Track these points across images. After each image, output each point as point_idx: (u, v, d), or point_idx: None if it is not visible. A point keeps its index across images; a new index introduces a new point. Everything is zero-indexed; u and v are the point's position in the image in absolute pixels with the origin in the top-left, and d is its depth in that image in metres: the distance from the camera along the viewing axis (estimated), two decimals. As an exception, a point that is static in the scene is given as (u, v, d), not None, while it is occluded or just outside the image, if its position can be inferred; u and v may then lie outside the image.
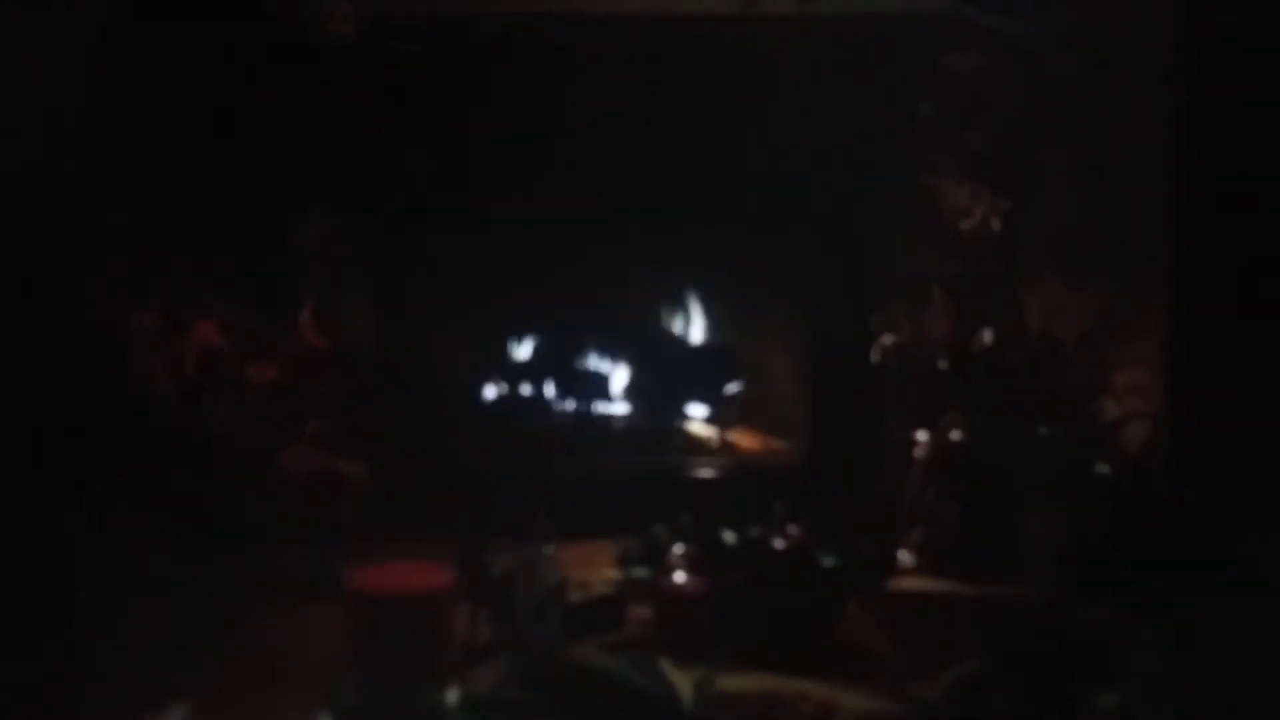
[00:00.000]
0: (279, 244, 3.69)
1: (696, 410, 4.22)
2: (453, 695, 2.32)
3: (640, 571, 3.10)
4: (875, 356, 3.63)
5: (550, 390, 4.25)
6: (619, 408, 4.24)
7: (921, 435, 3.51)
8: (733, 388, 4.18)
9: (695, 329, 4.29)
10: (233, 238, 3.61)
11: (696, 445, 4.12)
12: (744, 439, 4.14)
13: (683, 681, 2.46)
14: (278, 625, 3.12)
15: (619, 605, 3.00)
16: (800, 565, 2.87)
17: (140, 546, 3.21)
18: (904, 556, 3.43)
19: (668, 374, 4.25)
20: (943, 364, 3.56)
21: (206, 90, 3.53)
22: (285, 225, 3.70)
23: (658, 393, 4.23)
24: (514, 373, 4.25)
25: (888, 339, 3.60)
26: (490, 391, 4.25)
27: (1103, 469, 3.18)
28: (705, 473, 3.94)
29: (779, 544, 2.93)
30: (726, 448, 4.06)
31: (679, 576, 2.89)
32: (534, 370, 4.27)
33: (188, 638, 3.01)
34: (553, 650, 2.55)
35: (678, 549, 2.96)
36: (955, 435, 3.47)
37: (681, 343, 4.29)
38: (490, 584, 2.74)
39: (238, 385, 3.52)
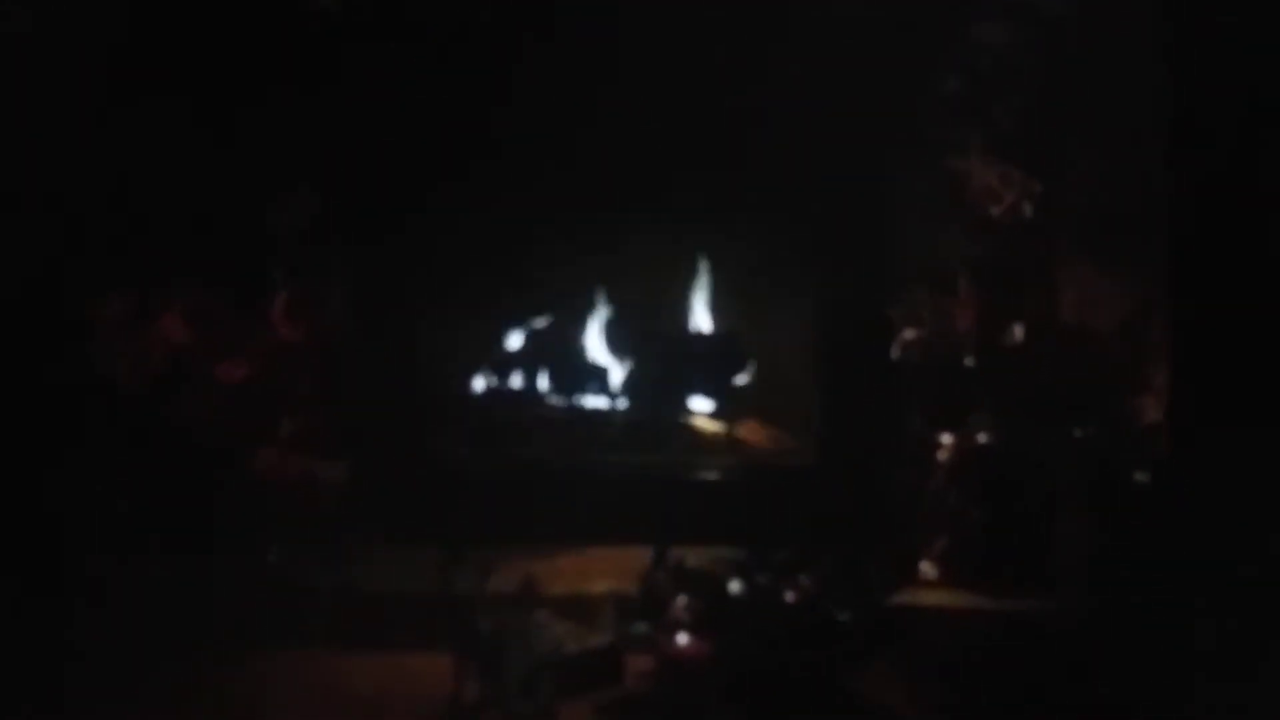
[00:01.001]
0: (250, 227, 3.65)
1: (701, 404, 4.17)
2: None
3: (641, 628, 3.07)
4: (895, 351, 3.58)
5: (544, 383, 4.22)
6: (618, 401, 4.21)
7: (945, 437, 3.49)
8: (740, 379, 4.12)
9: (700, 316, 4.25)
10: (199, 220, 3.57)
11: (701, 442, 4.09)
12: (752, 434, 4.12)
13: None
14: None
15: (616, 660, 2.99)
16: (812, 622, 2.84)
17: (103, 557, 3.21)
18: (925, 567, 3.41)
19: (670, 365, 4.22)
20: (968, 360, 3.52)
21: (176, 65, 3.49)
22: (257, 207, 3.65)
23: (659, 385, 4.19)
24: (505, 364, 4.22)
25: (909, 332, 3.57)
26: (479, 385, 4.21)
27: (1143, 475, 3.17)
28: (710, 474, 3.92)
29: (789, 596, 2.90)
30: (733, 444, 4.04)
31: (682, 637, 2.86)
32: (526, 361, 4.23)
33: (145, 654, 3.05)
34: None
35: (680, 602, 2.92)
36: (982, 437, 3.46)
37: (685, 331, 4.24)
38: (479, 642, 2.73)
39: (205, 384, 3.49)
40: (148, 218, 3.46)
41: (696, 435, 4.14)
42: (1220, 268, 2.97)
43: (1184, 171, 3.00)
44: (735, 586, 2.87)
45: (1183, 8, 2.99)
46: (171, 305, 3.46)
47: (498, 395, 4.20)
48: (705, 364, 4.23)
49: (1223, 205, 2.96)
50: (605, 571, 3.43)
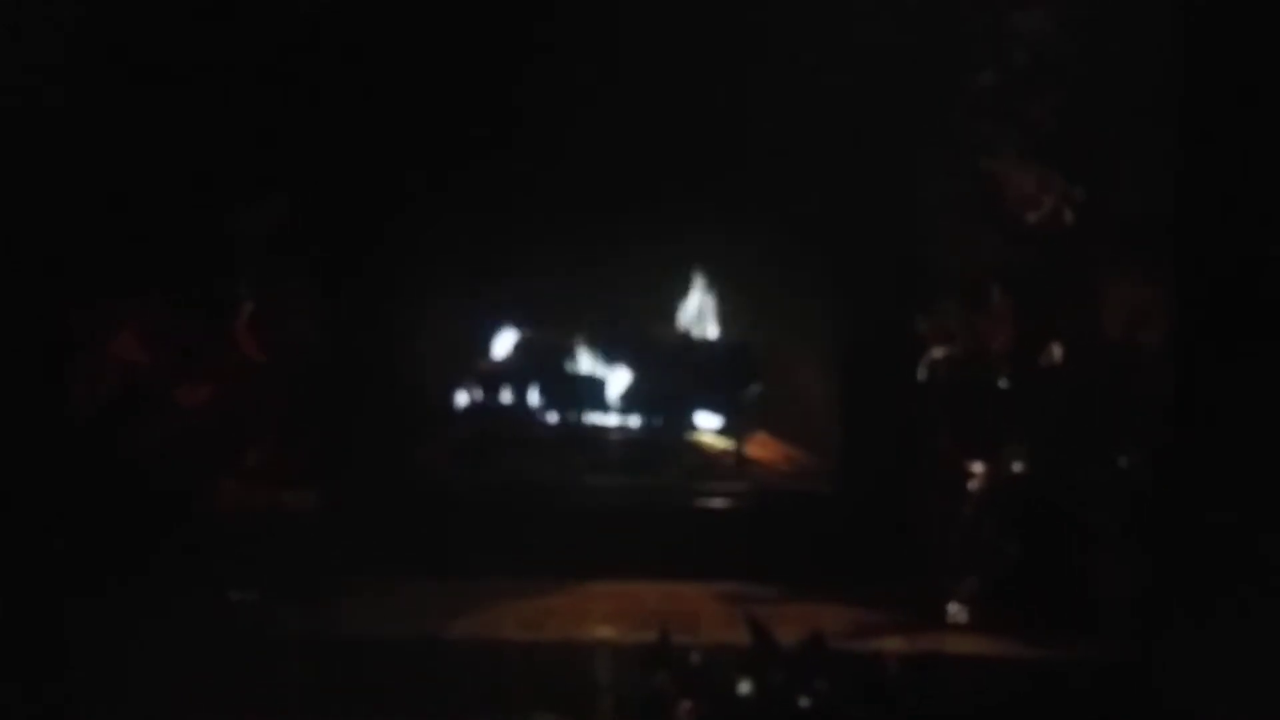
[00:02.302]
0: (210, 235, 3.64)
1: (708, 420, 4.18)
2: None
3: None
4: (922, 370, 3.60)
5: (534, 398, 4.22)
6: (615, 418, 4.22)
7: (976, 465, 3.51)
8: (751, 392, 4.14)
9: (707, 323, 4.26)
10: (154, 228, 3.57)
11: (708, 462, 4.11)
12: (764, 452, 4.13)
13: None
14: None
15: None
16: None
17: (58, 598, 3.23)
18: (953, 609, 3.44)
19: (674, 376, 4.23)
20: (1003, 381, 3.54)
21: (127, 56, 3.48)
22: (218, 212, 3.65)
23: (661, 399, 4.20)
24: (491, 379, 4.23)
25: (937, 350, 3.58)
26: (463, 401, 4.21)
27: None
28: (717, 501, 3.93)
29: (804, 703, 2.91)
30: (743, 464, 4.05)
31: None
32: (514, 375, 4.24)
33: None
34: None
35: (685, 706, 2.93)
36: (1017, 466, 3.48)
37: (691, 339, 4.25)
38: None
39: (162, 409, 3.49)
40: (96, 226, 3.43)
41: (703, 455, 4.15)
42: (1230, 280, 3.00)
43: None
44: (745, 688, 2.88)
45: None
46: (124, 322, 3.43)
47: (483, 412, 4.20)
48: (713, 375, 4.23)
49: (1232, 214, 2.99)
50: (605, 613, 3.45)
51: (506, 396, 4.22)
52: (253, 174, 3.64)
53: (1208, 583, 3.10)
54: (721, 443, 4.15)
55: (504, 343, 4.24)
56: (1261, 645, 3.01)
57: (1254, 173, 3.11)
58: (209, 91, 3.57)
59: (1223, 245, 3.14)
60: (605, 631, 3.33)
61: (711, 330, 4.25)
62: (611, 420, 4.22)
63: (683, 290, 4.27)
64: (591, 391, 4.23)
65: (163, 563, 3.39)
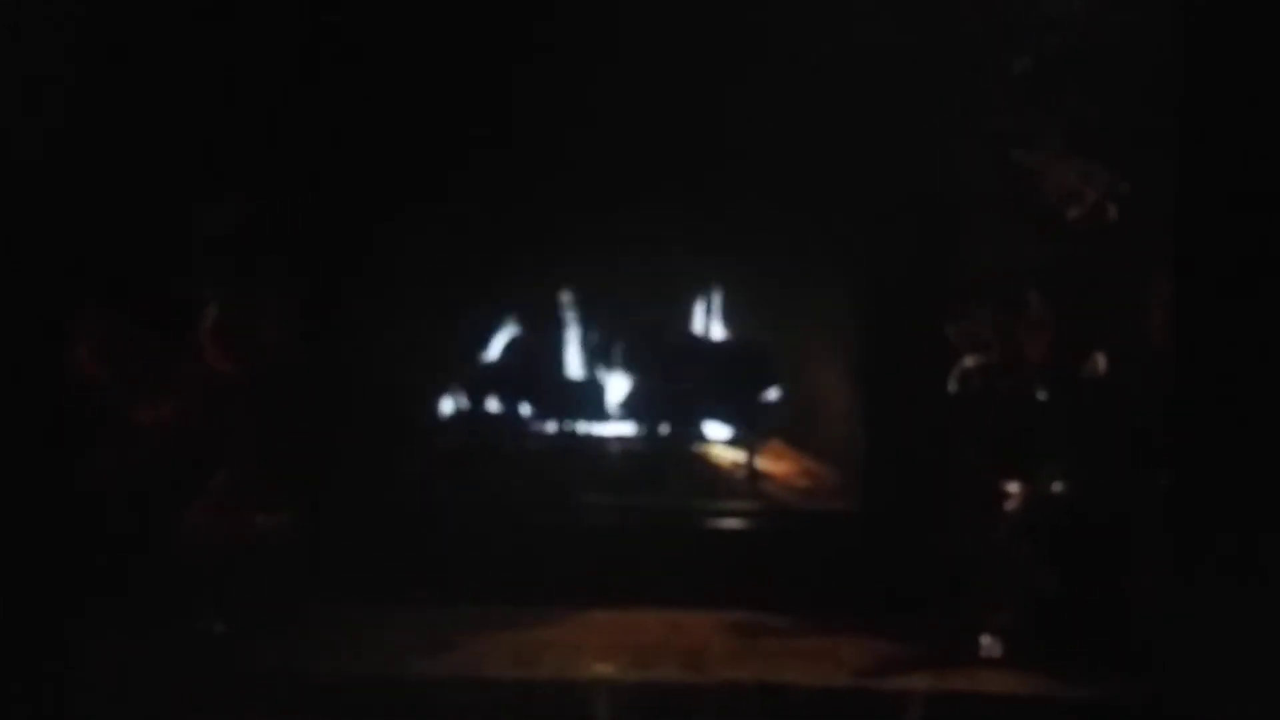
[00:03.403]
0: (172, 237, 3.62)
1: (717, 429, 4.19)
2: None
3: None
4: (953, 381, 3.60)
5: (526, 406, 4.23)
6: (615, 427, 4.22)
7: (1012, 485, 3.52)
8: (766, 397, 4.15)
9: (717, 322, 4.27)
10: (112, 229, 3.56)
11: (717, 477, 4.11)
12: (779, 465, 4.14)
13: None
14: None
15: None
16: None
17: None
18: (986, 643, 3.46)
19: (680, 381, 4.23)
20: (1041, 393, 3.54)
21: (83, 44, 3.47)
22: (180, 212, 3.63)
23: (667, 407, 4.21)
24: (479, 385, 4.24)
25: (970, 359, 3.58)
26: (448, 411, 4.22)
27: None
28: (727, 521, 3.94)
29: None
30: (756, 480, 4.06)
31: None
32: (505, 380, 4.25)
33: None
34: None
35: None
36: (1056, 486, 3.49)
37: (698, 340, 4.26)
38: None
39: (122, 428, 3.50)
40: (49, 229, 3.43)
41: (711, 468, 4.16)
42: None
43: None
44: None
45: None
46: (79, 334, 3.43)
47: (471, 422, 4.22)
48: (723, 380, 4.25)
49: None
50: (604, 647, 3.45)
51: (496, 404, 4.22)
52: (216, 165, 3.62)
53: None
54: (732, 455, 4.15)
55: (493, 345, 4.24)
56: (1261, 647, 3.05)
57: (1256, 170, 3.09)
58: (168, 78, 3.51)
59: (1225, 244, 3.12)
60: (604, 668, 3.33)
61: (722, 330, 4.26)
62: (611, 430, 4.22)
63: (689, 286, 4.27)
64: (589, 398, 4.24)
65: (125, 595, 3.35)
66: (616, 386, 4.22)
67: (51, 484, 3.39)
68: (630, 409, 4.20)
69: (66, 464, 3.39)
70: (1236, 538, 3.13)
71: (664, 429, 4.19)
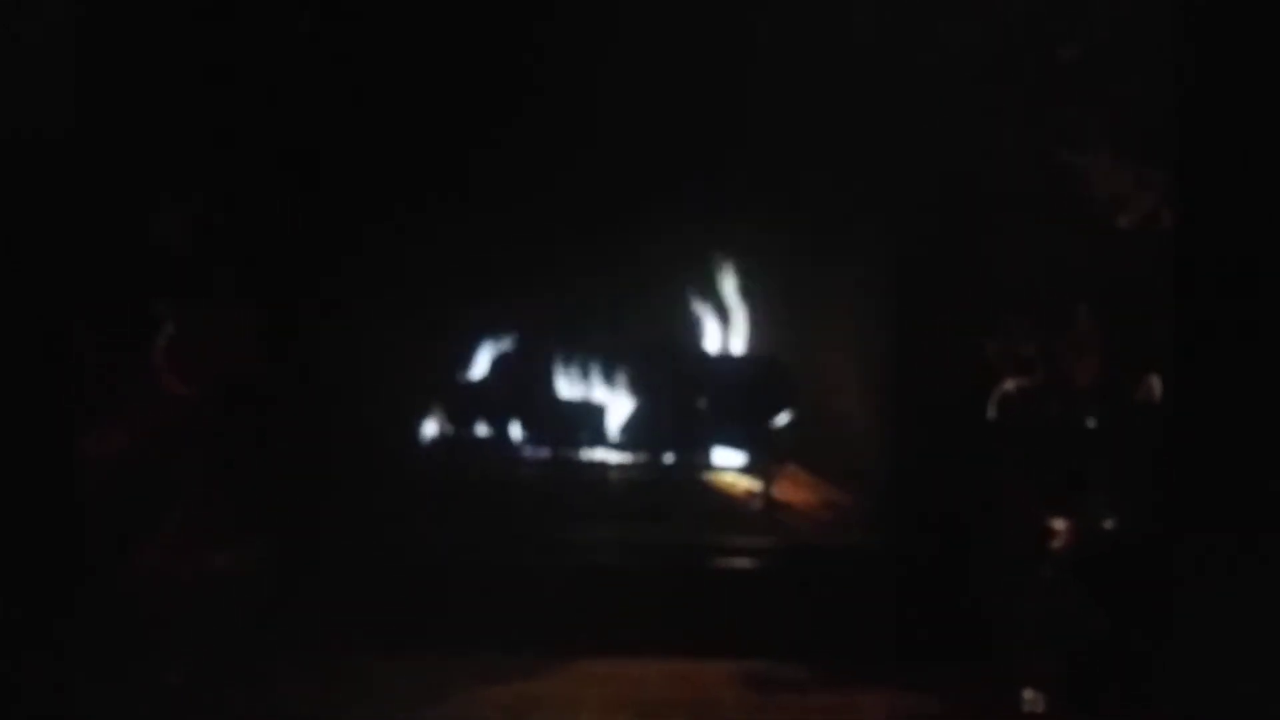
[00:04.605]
0: (124, 246, 3.62)
1: (728, 455, 4.18)
2: None
3: None
4: (993, 406, 3.59)
5: (516, 430, 4.21)
6: (615, 453, 4.21)
7: (1058, 521, 3.51)
8: (782, 418, 4.13)
9: (729, 336, 4.26)
10: (57, 238, 3.54)
11: (728, 508, 4.10)
12: (796, 494, 4.13)
13: None
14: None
15: None
16: None
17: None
18: (1028, 696, 3.45)
19: (688, 401, 4.22)
20: (1090, 420, 3.53)
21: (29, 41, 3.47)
22: (134, 219, 3.64)
23: (672, 430, 4.20)
24: (464, 406, 4.21)
25: (1011, 382, 3.57)
26: (429, 435, 4.20)
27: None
28: (739, 559, 3.92)
29: None
30: (771, 510, 4.05)
31: None
32: (493, 402, 4.23)
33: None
34: None
35: None
36: (1108, 523, 3.48)
37: (708, 356, 4.25)
38: None
39: (69, 461, 3.49)
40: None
41: (722, 498, 4.15)
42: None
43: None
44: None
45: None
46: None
47: (456, 449, 4.20)
48: (735, 400, 4.23)
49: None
50: (602, 701, 3.45)
51: (482, 428, 4.20)
52: (175, 170, 3.64)
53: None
54: (745, 484, 4.13)
55: (479, 362, 4.23)
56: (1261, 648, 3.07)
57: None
58: (131, 83, 3.54)
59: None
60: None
61: (735, 344, 4.25)
62: (610, 457, 4.21)
63: (698, 296, 4.26)
64: (586, 421, 4.22)
65: (73, 640, 3.34)
66: (616, 408, 4.21)
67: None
68: (631, 433, 4.20)
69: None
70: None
71: (669, 455, 4.18)
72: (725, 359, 4.22)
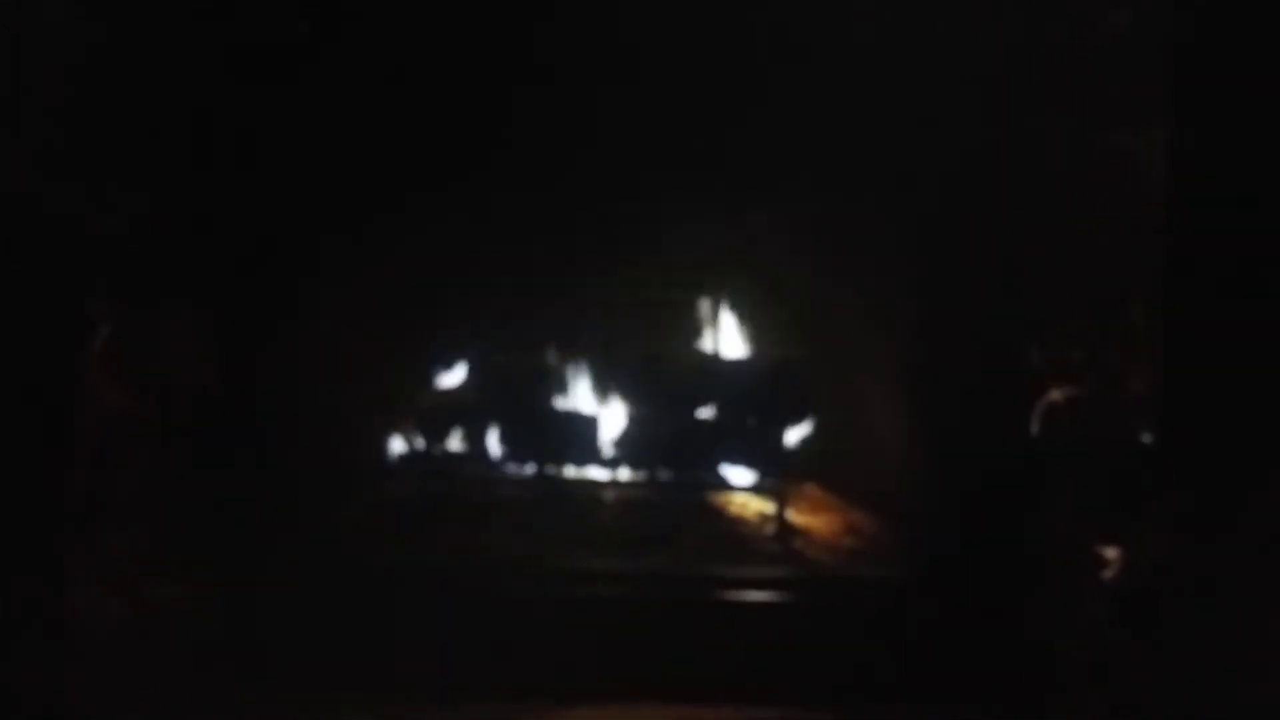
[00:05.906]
0: (55, 239, 3.59)
1: (738, 472, 4.18)
2: None
3: None
4: (1037, 419, 3.58)
5: (497, 445, 4.21)
6: (610, 471, 4.21)
7: (1109, 548, 3.50)
8: (801, 429, 4.12)
9: (739, 339, 4.27)
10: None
11: (738, 534, 4.07)
12: (815, 517, 4.12)
13: None
14: None
15: None
16: None
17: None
18: (1078, 743, 3.43)
19: (693, 412, 4.23)
20: (1146, 435, 3.51)
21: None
22: (60, 204, 3.60)
23: (675, 445, 4.19)
24: (439, 418, 4.21)
25: (1057, 392, 3.56)
26: (399, 451, 4.21)
27: None
28: (754, 592, 3.89)
29: None
30: (786, 536, 4.03)
31: None
32: (470, 413, 4.23)
33: None
34: None
35: None
36: (1164, 551, 3.48)
37: (715, 361, 4.26)
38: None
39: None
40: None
41: (731, 522, 4.12)
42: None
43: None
44: None
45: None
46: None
47: (429, 466, 4.19)
48: (746, 410, 4.24)
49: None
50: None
51: (459, 443, 4.19)
52: (113, 156, 3.64)
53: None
54: (758, 506, 4.12)
55: (455, 369, 4.23)
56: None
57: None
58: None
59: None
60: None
61: (745, 348, 4.25)
62: (605, 475, 4.21)
63: (704, 294, 4.27)
64: (577, 435, 4.21)
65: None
66: (610, 419, 4.20)
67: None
68: (629, 448, 4.18)
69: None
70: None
71: (671, 473, 4.17)
72: (734, 363, 4.20)
